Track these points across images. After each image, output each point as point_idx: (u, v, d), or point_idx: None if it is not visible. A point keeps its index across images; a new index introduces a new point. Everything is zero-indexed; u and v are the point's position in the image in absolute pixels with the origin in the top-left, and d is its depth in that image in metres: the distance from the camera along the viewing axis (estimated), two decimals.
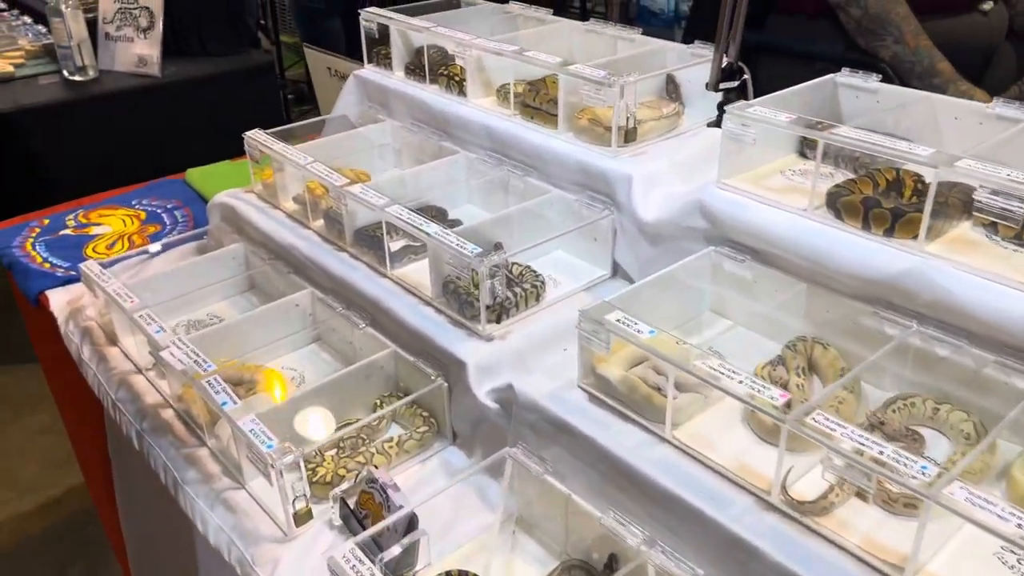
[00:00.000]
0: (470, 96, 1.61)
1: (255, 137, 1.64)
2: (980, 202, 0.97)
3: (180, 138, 2.97)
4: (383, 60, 1.80)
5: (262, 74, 3.22)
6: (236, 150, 2.45)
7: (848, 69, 1.34)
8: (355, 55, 4.37)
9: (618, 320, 1.04)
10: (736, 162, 1.23)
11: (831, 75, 1.34)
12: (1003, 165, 0.98)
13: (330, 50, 4.19)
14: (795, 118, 1.13)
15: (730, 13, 1.37)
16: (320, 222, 1.56)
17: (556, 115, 1.45)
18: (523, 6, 1.82)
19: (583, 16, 4.59)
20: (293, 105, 5.15)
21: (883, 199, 1.12)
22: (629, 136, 1.35)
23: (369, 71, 1.83)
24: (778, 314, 1.15)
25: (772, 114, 1.15)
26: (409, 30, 1.71)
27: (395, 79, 1.77)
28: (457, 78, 1.63)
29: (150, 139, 2.90)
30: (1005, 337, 0.95)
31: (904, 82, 2.12)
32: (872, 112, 1.31)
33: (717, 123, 1.46)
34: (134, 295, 1.45)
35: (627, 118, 1.33)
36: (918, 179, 1.14)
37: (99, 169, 2.80)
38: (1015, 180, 0.95)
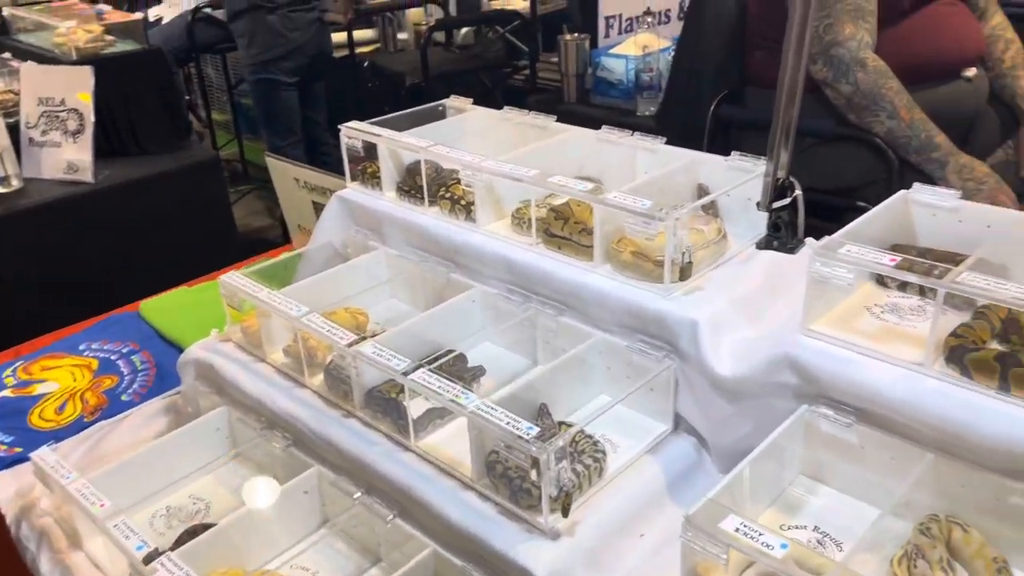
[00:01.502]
0: (480, 222, 1.42)
1: (233, 282, 1.41)
2: None
3: (123, 249, 2.70)
4: (370, 179, 1.60)
5: (206, 170, 3.00)
6: (186, 263, 2.21)
7: (919, 184, 1.20)
8: (312, 136, 4.15)
9: (738, 530, 0.86)
10: (818, 304, 1.07)
11: (903, 192, 1.21)
12: None
13: (287, 128, 3.97)
14: (900, 259, 0.98)
15: (784, 123, 1.23)
16: (319, 379, 1.34)
17: (589, 246, 1.27)
18: (520, 112, 1.64)
19: (532, 85, 4.46)
20: (228, 184, 4.91)
21: (1003, 344, 0.97)
22: (684, 273, 1.18)
23: (354, 191, 1.62)
24: (896, 485, 0.98)
25: (875, 256, 0.99)
26: (401, 148, 1.52)
27: (386, 200, 1.56)
28: (463, 201, 1.44)
29: (90, 253, 2.62)
30: None
31: (901, 157, 2.05)
32: (951, 231, 1.17)
33: (767, 245, 1.31)
34: (102, 494, 1.21)
35: (682, 253, 1.16)
36: None
37: (34, 293, 2.51)
38: None
